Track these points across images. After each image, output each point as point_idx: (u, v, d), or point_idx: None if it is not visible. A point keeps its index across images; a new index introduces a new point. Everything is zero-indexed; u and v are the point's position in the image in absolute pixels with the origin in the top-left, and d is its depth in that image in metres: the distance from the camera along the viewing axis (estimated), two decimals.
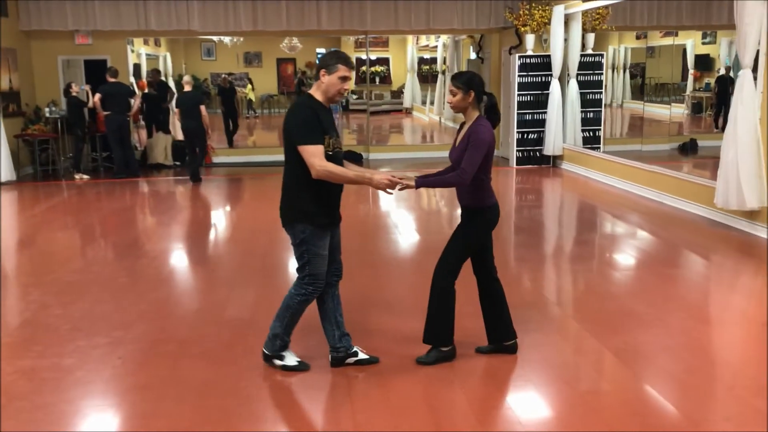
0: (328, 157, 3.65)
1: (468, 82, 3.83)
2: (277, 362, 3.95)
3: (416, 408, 3.56)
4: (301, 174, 3.66)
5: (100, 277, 6.03)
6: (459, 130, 4.04)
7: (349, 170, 3.78)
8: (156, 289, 5.68)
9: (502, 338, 4.16)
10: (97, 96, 11.20)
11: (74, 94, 11.48)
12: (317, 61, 23.10)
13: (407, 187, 3.79)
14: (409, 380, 3.85)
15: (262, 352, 4.01)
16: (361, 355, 4.04)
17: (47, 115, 12.14)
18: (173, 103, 12.62)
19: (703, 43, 12.03)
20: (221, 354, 4.22)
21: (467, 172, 3.79)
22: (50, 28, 12.20)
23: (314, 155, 3.59)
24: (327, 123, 3.71)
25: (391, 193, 3.82)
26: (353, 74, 3.82)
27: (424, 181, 3.86)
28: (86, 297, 5.42)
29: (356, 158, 13.30)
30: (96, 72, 12.37)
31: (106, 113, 11.24)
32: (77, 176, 11.52)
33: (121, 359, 4.15)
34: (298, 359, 3.98)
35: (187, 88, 10.99)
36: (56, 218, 8.98)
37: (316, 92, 3.74)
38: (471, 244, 4.02)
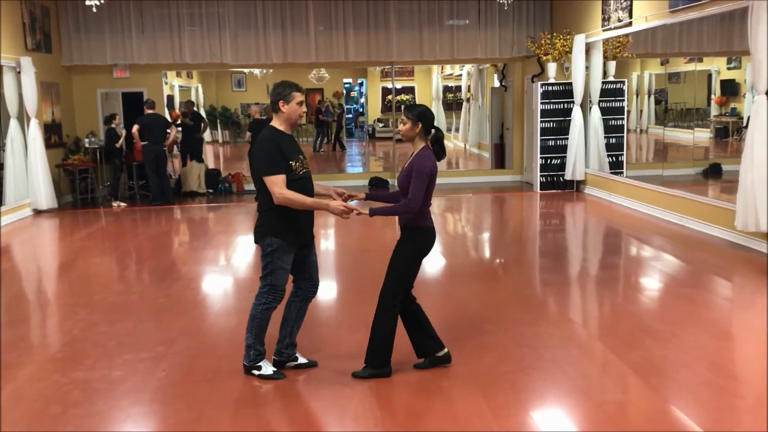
0: (294, 181, 4.08)
1: (419, 115, 4.19)
2: (255, 372, 4.28)
3: (439, 417, 3.78)
4: (270, 198, 4.08)
5: (141, 298, 6.36)
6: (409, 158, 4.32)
7: (308, 198, 4.12)
8: (194, 309, 5.99)
9: (433, 351, 4.40)
10: (135, 127, 11.67)
11: (114, 126, 11.99)
12: (344, 91, 23.40)
13: (361, 213, 4.10)
14: (436, 392, 4.07)
15: (242, 365, 4.33)
16: (301, 360, 4.43)
17: (86, 145, 12.67)
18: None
19: (728, 69, 12.17)
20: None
21: (414, 201, 4.08)
22: (90, 63, 12.78)
23: (275, 184, 4.02)
24: (290, 150, 4.11)
25: (347, 218, 4.13)
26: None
27: (376, 211, 4.16)
28: (129, 316, 5.73)
29: (382, 184, 13.60)
30: (132, 104, 12.90)
31: (143, 143, 11.70)
32: (115, 204, 11.97)
33: (165, 371, 4.44)
34: (274, 369, 4.30)
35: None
36: (96, 244, 9.37)
37: (277, 123, 4.16)
38: (408, 262, 4.24)
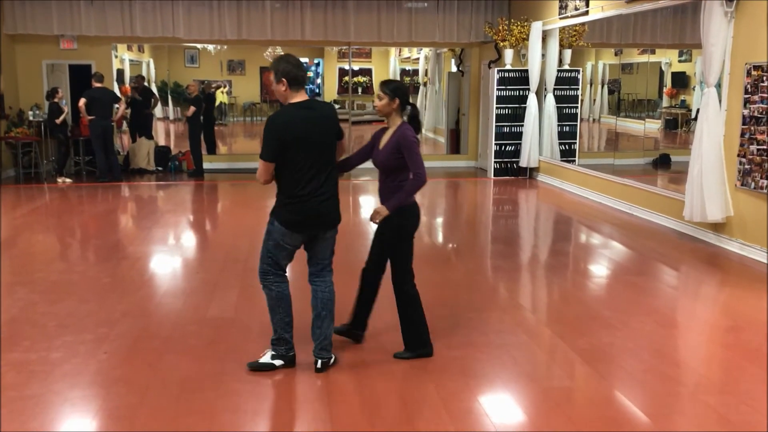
0: None
1: (395, 90, 4.14)
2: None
3: (389, 402, 3.75)
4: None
5: (84, 278, 6.16)
6: (380, 136, 4.28)
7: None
8: (139, 289, 5.83)
9: (358, 327, 4.47)
10: (82, 100, 11.29)
11: (56, 100, 11.59)
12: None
13: (378, 216, 4.11)
14: (387, 377, 4.04)
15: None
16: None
17: (30, 118, 12.20)
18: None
19: (680, 61, 12.38)
20: (203, 351, 4.38)
21: (421, 174, 4.07)
22: (35, 33, 12.29)
23: None
24: None
25: None
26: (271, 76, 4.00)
27: (393, 204, 4.09)
28: (71, 296, 5.55)
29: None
30: (80, 77, 12.47)
31: (90, 118, 11.33)
32: (60, 180, 11.60)
33: (107, 354, 4.31)
34: (272, 360, 4.09)
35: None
36: (39, 220, 9.07)
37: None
38: (406, 241, 4.22)
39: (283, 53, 3.94)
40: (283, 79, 3.85)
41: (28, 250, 7.39)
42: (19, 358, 4.25)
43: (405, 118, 4.20)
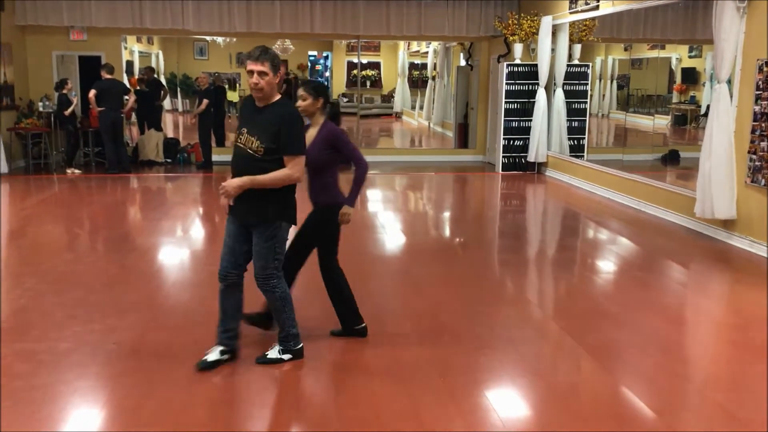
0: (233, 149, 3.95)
1: (317, 89, 4.24)
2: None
3: (396, 396, 3.76)
4: None
5: (92, 269, 6.19)
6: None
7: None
8: (147, 281, 5.85)
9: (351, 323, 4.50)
10: (92, 92, 11.31)
11: (65, 92, 11.62)
12: (309, 64, 23.09)
13: (348, 216, 4.29)
14: (394, 370, 4.05)
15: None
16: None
17: (40, 109, 12.24)
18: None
19: (690, 57, 12.31)
20: (211, 342, 4.38)
21: (362, 161, 4.29)
22: (45, 24, 12.31)
23: None
24: (243, 116, 3.97)
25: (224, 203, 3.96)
26: (259, 65, 3.72)
27: (354, 198, 4.31)
28: (80, 287, 5.57)
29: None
30: (89, 68, 12.50)
31: (99, 109, 11.35)
32: (69, 170, 11.63)
33: (115, 345, 4.32)
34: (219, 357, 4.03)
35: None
36: (48, 211, 9.11)
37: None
38: (336, 227, 4.35)
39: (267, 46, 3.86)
40: (279, 73, 3.84)
41: (37, 241, 7.42)
42: (28, 347, 4.27)
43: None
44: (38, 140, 12.22)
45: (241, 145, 3.85)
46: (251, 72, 3.74)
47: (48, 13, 12.25)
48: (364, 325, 4.49)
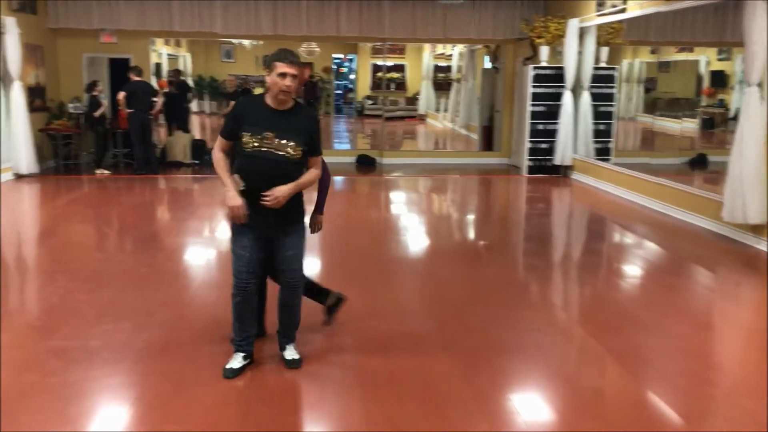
0: (244, 156, 3.77)
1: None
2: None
3: (420, 399, 3.77)
4: None
5: (121, 268, 6.28)
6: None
7: (226, 175, 3.82)
8: (175, 280, 5.92)
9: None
10: (122, 94, 11.46)
11: (95, 94, 11.80)
12: (334, 66, 23.19)
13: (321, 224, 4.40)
14: (416, 372, 4.07)
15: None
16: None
17: (71, 110, 12.46)
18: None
19: (719, 60, 12.17)
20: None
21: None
22: (76, 27, 12.53)
23: (216, 143, 3.91)
24: (258, 119, 3.75)
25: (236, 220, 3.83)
26: (295, 69, 3.68)
27: (321, 208, 4.41)
28: (110, 285, 5.66)
29: (369, 162, 13.53)
30: (119, 69, 12.68)
31: (129, 111, 11.51)
32: (98, 171, 11.80)
33: (145, 343, 4.39)
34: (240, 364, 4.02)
35: None
36: (78, 211, 9.26)
37: (267, 94, 3.82)
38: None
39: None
40: None
41: (68, 240, 7.55)
42: (60, 345, 4.35)
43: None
44: (68, 141, 12.42)
45: (272, 150, 3.75)
46: (285, 75, 3.66)
47: (79, 15, 12.46)
48: (334, 295, 4.57)
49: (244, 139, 3.75)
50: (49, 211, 9.20)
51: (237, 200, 3.75)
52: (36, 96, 11.95)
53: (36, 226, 8.50)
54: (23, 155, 10.90)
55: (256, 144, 3.74)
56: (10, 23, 10.55)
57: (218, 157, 3.88)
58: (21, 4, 11.40)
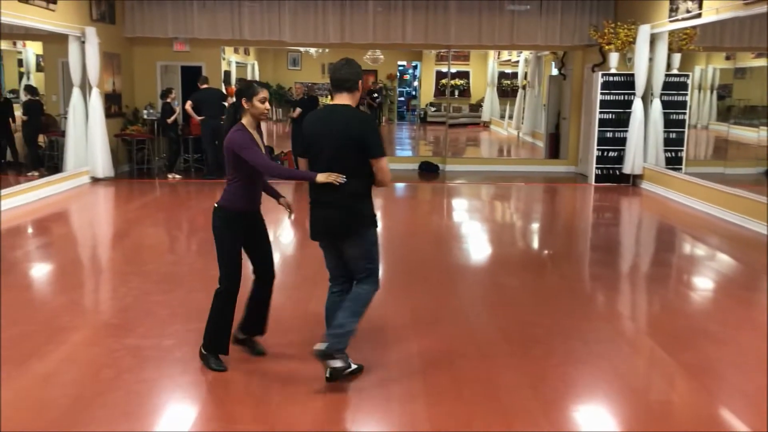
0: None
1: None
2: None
3: (487, 408, 3.75)
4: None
5: (192, 270, 6.47)
6: (253, 141, 4.29)
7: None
8: (243, 283, 6.02)
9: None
10: (189, 103, 11.74)
11: (169, 101, 12.19)
12: (398, 73, 23.25)
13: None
14: (484, 380, 4.05)
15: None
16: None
17: (145, 116, 12.91)
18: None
19: None
20: (304, 344, 4.50)
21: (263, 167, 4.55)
22: (152, 35, 12.98)
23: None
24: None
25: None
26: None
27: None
28: (181, 287, 5.84)
29: (432, 169, 13.52)
30: (191, 77, 13.06)
31: (200, 118, 11.82)
32: (170, 175, 12.17)
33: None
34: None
35: None
36: (150, 214, 9.57)
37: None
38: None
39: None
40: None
41: (141, 242, 7.81)
42: (135, 343, 4.52)
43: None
44: (142, 146, 12.86)
45: None
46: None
47: (155, 25, 12.90)
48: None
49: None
50: (122, 214, 9.54)
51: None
52: (112, 102, 12.43)
53: (110, 228, 8.82)
54: (99, 159, 11.35)
55: None
56: (90, 33, 11.02)
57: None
58: (101, 14, 11.88)
